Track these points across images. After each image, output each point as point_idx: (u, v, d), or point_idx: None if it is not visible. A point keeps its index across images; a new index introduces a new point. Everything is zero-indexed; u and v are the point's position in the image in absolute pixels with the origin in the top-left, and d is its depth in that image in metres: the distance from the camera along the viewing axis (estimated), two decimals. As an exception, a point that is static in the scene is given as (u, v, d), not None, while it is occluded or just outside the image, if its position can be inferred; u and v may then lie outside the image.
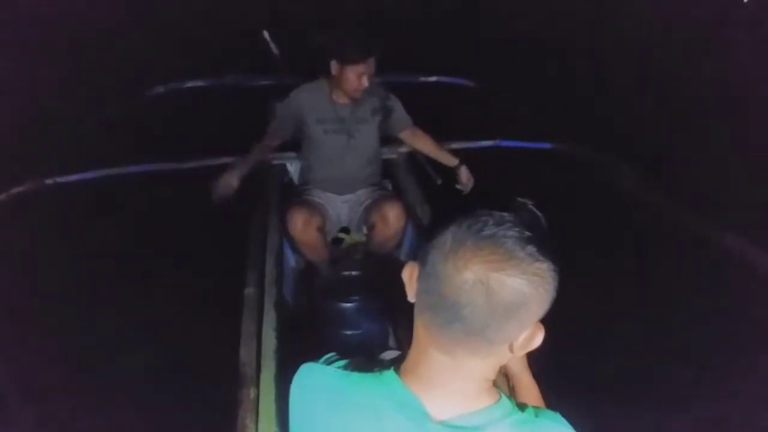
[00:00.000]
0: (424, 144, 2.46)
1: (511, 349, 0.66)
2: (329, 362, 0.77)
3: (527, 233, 0.62)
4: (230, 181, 2.11)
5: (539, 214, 0.67)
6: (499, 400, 0.69)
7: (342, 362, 0.76)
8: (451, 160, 2.41)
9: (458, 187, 2.38)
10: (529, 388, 1.01)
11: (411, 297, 0.70)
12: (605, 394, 1.85)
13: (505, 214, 0.63)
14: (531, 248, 0.61)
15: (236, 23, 3.40)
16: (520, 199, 0.67)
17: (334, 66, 2.12)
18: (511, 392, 1.03)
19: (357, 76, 2.09)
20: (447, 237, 0.63)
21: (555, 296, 0.65)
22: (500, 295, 0.61)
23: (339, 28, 2.19)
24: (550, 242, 0.64)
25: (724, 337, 1.96)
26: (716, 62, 2.03)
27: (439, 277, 0.63)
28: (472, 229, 0.62)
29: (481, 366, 0.67)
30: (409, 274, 0.69)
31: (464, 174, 2.37)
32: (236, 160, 2.22)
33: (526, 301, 0.62)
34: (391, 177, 2.64)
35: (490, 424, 0.66)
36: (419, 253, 0.67)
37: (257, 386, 1.47)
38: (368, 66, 2.09)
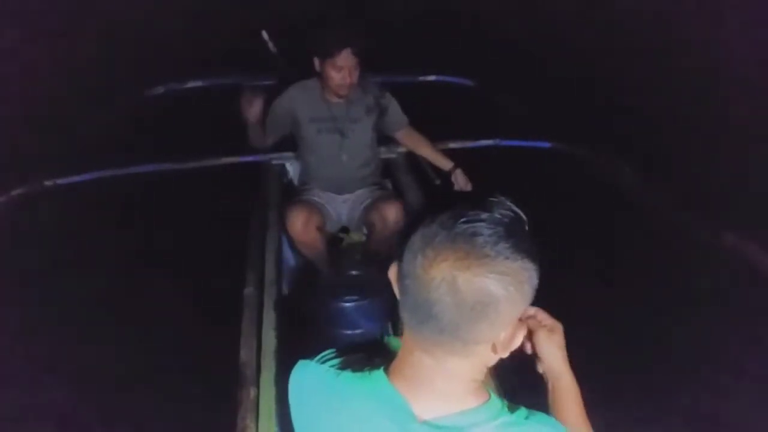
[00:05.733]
0: (419, 145, 2.44)
1: (494, 350, 0.65)
2: (325, 359, 0.76)
3: (500, 230, 0.59)
4: (255, 99, 2.15)
5: (518, 211, 0.63)
6: (487, 400, 0.68)
7: (337, 360, 0.75)
8: (445, 164, 2.38)
9: (456, 190, 2.35)
10: (567, 391, 0.86)
11: (399, 295, 0.69)
12: (604, 394, 1.85)
13: (480, 211, 0.60)
14: (502, 246, 0.59)
15: (237, 23, 3.40)
16: (496, 196, 0.64)
17: (316, 63, 2.10)
18: (548, 395, 0.88)
19: (337, 71, 2.06)
20: (417, 235, 0.61)
21: (533, 296, 0.63)
22: (466, 294, 0.59)
23: (318, 24, 2.17)
24: (529, 240, 0.62)
25: (724, 336, 1.96)
26: (717, 60, 2.03)
27: (410, 275, 0.62)
28: (442, 226, 0.60)
29: (464, 366, 0.66)
30: (394, 273, 0.68)
31: (461, 178, 2.34)
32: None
33: (494, 301, 0.59)
34: (391, 177, 2.64)
35: (475, 425, 0.65)
36: (397, 251, 0.65)
37: (257, 386, 1.48)
38: (346, 59, 2.04)
